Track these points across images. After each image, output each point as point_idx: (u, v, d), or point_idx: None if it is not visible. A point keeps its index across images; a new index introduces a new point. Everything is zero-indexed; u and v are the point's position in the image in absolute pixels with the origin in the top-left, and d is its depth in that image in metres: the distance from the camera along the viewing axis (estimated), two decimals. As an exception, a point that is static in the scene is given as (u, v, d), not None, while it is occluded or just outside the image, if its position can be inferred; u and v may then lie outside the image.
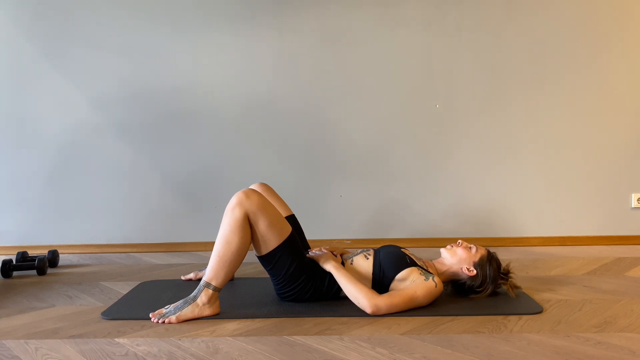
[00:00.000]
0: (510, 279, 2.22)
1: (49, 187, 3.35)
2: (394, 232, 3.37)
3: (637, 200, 3.36)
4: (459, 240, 2.28)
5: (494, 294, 2.22)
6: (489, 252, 2.24)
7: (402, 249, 2.25)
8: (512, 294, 2.19)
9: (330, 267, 2.13)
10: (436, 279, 2.10)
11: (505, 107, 3.33)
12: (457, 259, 2.22)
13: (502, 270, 2.22)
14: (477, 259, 2.20)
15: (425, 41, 3.31)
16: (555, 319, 1.98)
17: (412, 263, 2.15)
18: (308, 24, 3.31)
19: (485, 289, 2.18)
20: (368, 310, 2.02)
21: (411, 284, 2.09)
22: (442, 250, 2.27)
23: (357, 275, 2.16)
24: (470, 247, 2.24)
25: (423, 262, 2.24)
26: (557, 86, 3.32)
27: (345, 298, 2.20)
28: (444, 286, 2.19)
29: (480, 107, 3.34)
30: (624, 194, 3.37)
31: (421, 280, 2.08)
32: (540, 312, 2.05)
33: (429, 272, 2.15)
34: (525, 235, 3.37)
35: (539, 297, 2.25)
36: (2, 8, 3.28)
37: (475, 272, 2.18)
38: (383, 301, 2.03)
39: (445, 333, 1.85)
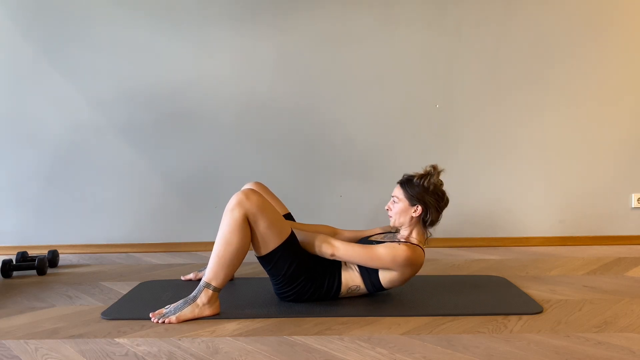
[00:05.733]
0: (428, 174, 2.18)
1: (49, 187, 3.35)
2: (394, 232, 3.37)
3: (637, 200, 3.36)
4: (386, 207, 2.27)
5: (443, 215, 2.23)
6: (401, 183, 2.23)
7: (368, 238, 2.28)
8: (438, 180, 2.18)
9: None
10: (403, 245, 2.10)
11: (505, 107, 3.33)
12: (399, 217, 2.21)
13: (423, 180, 2.18)
14: (407, 200, 2.19)
15: (426, 41, 3.32)
16: (555, 319, 1.98)
17: (377, 243, 2.17)
18: (308, 24, 3.31)
19: (437, 203, 2.17)
20: (328, 250, 2.11)
21: None
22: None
23: (348, 277, 2.18)
24: (394, 201, 2.22)
25: (392, 235, 2.25)
26: (557, 86, 3.32)
27: (345, 298, 2.21)
28: (424, 242, 2.22)
29: (480, 107, 3.34)
30: (624, 194, 3.38)
31: (388, 244, 2.13)
32: (540, 312, 2.05)
33: (399, 241, 2.16)
34: (525, 235, 3.37)
35: (539, 297, 2.25)
36: (2, 8, 3.27)
37: (418, 207, 2.18)
38: (340, 242, 2.13)
39: (445, 333, 1.85)
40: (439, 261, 2.97)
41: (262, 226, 2.03)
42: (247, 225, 2.02)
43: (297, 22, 3.30)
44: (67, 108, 3.31)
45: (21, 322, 2.03)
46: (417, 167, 3.32)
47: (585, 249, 3.26)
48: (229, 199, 2.05)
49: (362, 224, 3.32)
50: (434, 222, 2.20)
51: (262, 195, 2.10)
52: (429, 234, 2.25)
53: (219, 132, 3.34)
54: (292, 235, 2.12)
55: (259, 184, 2.47)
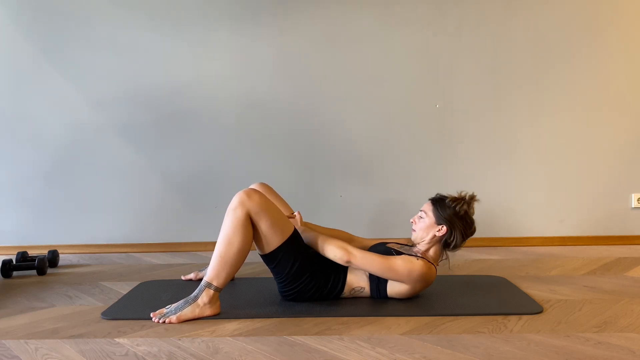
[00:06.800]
0: (463, 199, 2.18)
1: (49, 187, 3.35)
2: (394, 232, 3.36)
3: (637, 200, 3.36)
4: (411, 220, 2.28)
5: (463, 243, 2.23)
6: (433, 201, 2.23)
7: (387, 245, 2.26)
8: (471, 208, 2.18)
9: (300, 230, 2.20)
10: (421, 260, 2.11)
11: (505, 107, 3.33)
12: (422, 232, 2.22)
13: (456, 204, 2.18)
14: (434, 218, 2.20)
15: (425, 41, 3.31)
16: (555, 319, 1.98)
17: (397, 254, 2.16)
18: (308, 24, 3.31)
19: (464, 229, 2.18)
20: (344, 257, 2.10)
21: None
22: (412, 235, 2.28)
23: (354, 279, 2.18)
24: (421, 216, 2.23)
25: (409, 248, 2.25)
26: (557, 86, 3.32)
27: (346, 298, 2.21)
28: (438, 262, 2.22)
29: (480, 107, 3.34)
30: (624, 194, 3.38)
31: (405, 257, 2.13)
32: (540, 312, 2.05)
33: (417, 256, 2.15)
34: (525, 235, 3.37)
35: (539, 297, 2.25)
36: (2, 8, 3.27)
37: (444, 227, 2.18)
38: (357, 250, 2.12)
39: (445, 333, 1.85)
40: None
41: (264, 225, 2.03)
42: (250, 225, 2.02)
43: (297, 22, 3.30)
44: (67, 108, 3.31)
45: (21, 322, 2.03)
46: (416, 167, 3.35)
47: (585, 249, 3.26)
48: (229, 199, 2.05)
49: (362, 224, 3.33)
50: (456, 247, 2.20)
51: (264, 194, 2.11)
52: (444, 257, 2.25)
53: (219, 132, 3.34)
54: (295, 232, 2.12)
55: (263, 184, 2.47)
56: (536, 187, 3.36)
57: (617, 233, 3.38)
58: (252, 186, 2.44)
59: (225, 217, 2.03)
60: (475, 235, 3.29)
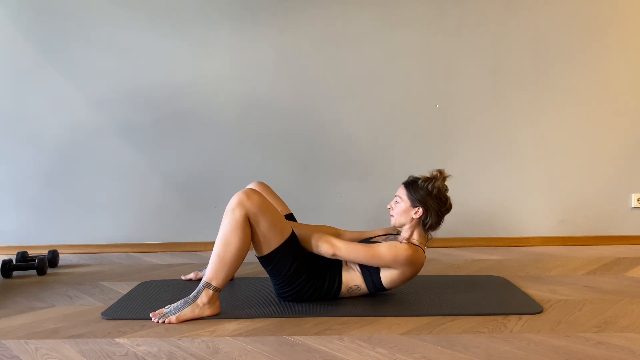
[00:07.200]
0: (434, 178, 2.19)
1: (49, 187, 3.35)
2: (394, 232, 3.38)
3: (637, 200, 3.36)
4: (388, 206, 2.28)
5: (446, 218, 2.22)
6: (406, 184, 2.24)
7: (370, 240, 2.29)
8: (443, 185, 2.18)
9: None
10: (405, 244, 2.12)
11: (505, 107, 3.34)
12: (400, 217, 2.22)
13: (427, 183, 2.19)
14: (409, 202, 2.20)
15: (426, 41, 3.32)
16: (555, 319, 1.98)
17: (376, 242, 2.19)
18: (308, 24, 3.31)
19: (438, 207, 2.17)
20: (329, 250, 2.11)
21: None
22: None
23: (349, 277, 2.18)
24: (397, 201, 2.23)
25: (394, 237, 2.26)
26: (558, 86, 3.32)
27: (345, 298, 2.21)
28: (425, 245, 2.23)
29: (480, 107, 3.34)
30: (624, 194, 3.38)
31: (389, 243, 2.15)
32: (540, 312, 2.05)
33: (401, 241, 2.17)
34: (525, 235, 3.37)
35: (539, 297, 2.25)
36: (2, 8, 3.27)
37: (420, 209, 2.18)
38: (341, 242, 2.13)
39: (445, 333, 1.85)
40: (439, 261, 2.97)
41: (263, 226, 2.03)
42: (248, 226, 2.02)
43: (297, 22, 3.30)
44: (67, 108, 3.31)
45: (21, 322, 2.03)
46: (416, 167, 3.33)
47: (585, 249, 3.26)
48: (229, 198, 2.05)
49: (362, 224, 3.32)
50: (433, 226, 2.20)
51: (263, 195, 2.10)
52: (429, 237, 2.25)
53: (219, 132, 3.34)
54: (293, 235, 2.12)
55: (261, 183, 2.47)
56: (536, 187, 3.36)
57: (617, 233, 3.38)
58: (250, 185, 2.44)
59: (223, 218, 2.03)
60: (476, 235, 3.35)
